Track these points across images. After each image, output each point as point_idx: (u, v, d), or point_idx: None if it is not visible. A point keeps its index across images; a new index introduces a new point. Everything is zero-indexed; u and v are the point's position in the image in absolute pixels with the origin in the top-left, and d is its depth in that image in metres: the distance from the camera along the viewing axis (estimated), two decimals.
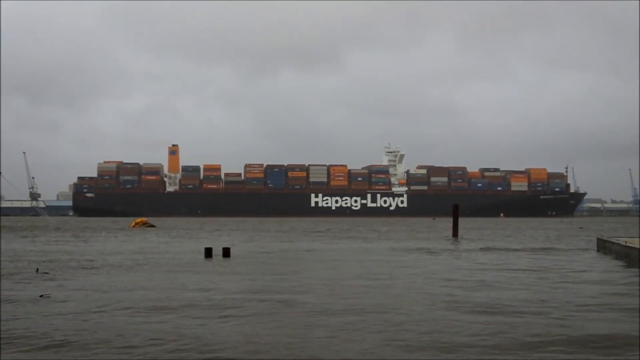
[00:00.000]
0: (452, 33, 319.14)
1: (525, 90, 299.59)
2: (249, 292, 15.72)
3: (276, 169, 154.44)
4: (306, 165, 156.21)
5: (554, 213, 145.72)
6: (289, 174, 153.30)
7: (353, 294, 15.46)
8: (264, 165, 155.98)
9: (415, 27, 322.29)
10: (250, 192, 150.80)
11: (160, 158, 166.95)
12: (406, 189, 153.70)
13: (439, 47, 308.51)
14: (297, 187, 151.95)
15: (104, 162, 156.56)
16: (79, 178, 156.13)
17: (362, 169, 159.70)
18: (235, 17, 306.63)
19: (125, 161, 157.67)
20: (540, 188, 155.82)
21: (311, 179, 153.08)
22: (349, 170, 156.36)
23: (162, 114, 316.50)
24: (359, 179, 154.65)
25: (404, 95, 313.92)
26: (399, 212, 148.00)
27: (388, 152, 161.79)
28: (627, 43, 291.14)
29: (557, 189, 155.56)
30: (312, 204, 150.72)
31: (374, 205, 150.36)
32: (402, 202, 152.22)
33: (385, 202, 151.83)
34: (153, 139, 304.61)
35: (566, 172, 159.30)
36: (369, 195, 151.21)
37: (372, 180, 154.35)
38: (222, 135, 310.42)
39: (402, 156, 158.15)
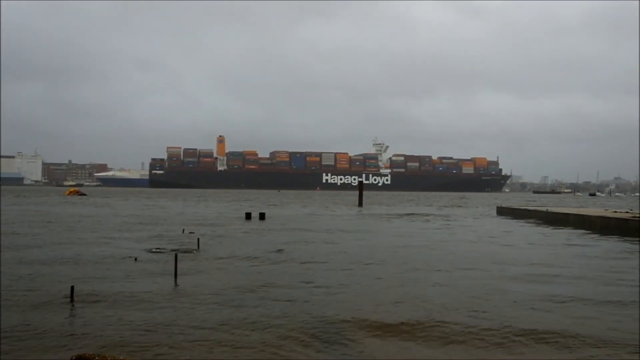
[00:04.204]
0: None
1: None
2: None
3: (298, 155, 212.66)
4: (320, 152, 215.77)
5: (489, 189, 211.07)
6: (308, 158, 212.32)
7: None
8: (289, 152, 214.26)
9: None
10: (279, 172, 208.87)
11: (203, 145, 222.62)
12: (390, 170, 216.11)
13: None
14: (313, 168, 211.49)
15: (171, 147, 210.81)
16: (152, 159, 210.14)
17: (359, 155, 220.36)
18: None
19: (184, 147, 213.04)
20: (482, 171, 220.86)
21: (323, 162, 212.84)
22: (350, 156, 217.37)
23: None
24: (357, 163, 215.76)
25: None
26: (384, 187, 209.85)
27: (375, 144, 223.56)
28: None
29: (493, 172, 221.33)
30: (324, 181, 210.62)
31: (367, 182, 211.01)
32: (387, 180, 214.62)
33: (375, 180, 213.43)
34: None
35: (497, 159, 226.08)
36: (364, 175, 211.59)
37: (366, 164, 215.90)
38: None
39: (387, 147, 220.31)
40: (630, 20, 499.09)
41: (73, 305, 9.84)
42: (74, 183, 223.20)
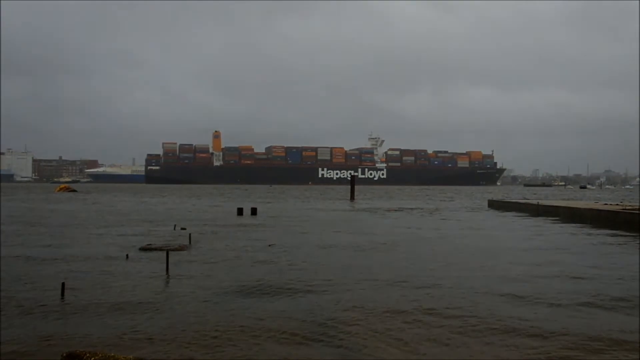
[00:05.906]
0: None
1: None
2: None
3: (294, 150, 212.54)
4: (315, 147, 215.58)
5: (483, 183, 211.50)
6: (303, 153, 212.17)
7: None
8: (285, 147, 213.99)
9: None
10: (275, 166, 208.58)
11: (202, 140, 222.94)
12: (385, 165, 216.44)
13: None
14: (309, 162, 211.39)
15: (167, 142, 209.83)
16: (148, 154, 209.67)
17: (354, 150, 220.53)
18: None
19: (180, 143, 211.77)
20: (477, 165, 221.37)
21: (319, 157, 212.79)
22: (346, 151, 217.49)
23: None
24: (353, 157, 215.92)
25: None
26: (380, 181, 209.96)
27: (370, 138, 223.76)
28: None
29: (488, 166, 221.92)
30: (320, 175, 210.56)
31: (363, 176, 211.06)
32: (382, 174, 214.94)
33: (371, 174, 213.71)
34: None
35: (492, 153, 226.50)
36: (360, 169, 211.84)
37: (361, 158, 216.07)
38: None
39: (382, 141, 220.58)
40: (607, 17, 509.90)
41: (63, 302, 10.02)
42: (69, 179, 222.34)
